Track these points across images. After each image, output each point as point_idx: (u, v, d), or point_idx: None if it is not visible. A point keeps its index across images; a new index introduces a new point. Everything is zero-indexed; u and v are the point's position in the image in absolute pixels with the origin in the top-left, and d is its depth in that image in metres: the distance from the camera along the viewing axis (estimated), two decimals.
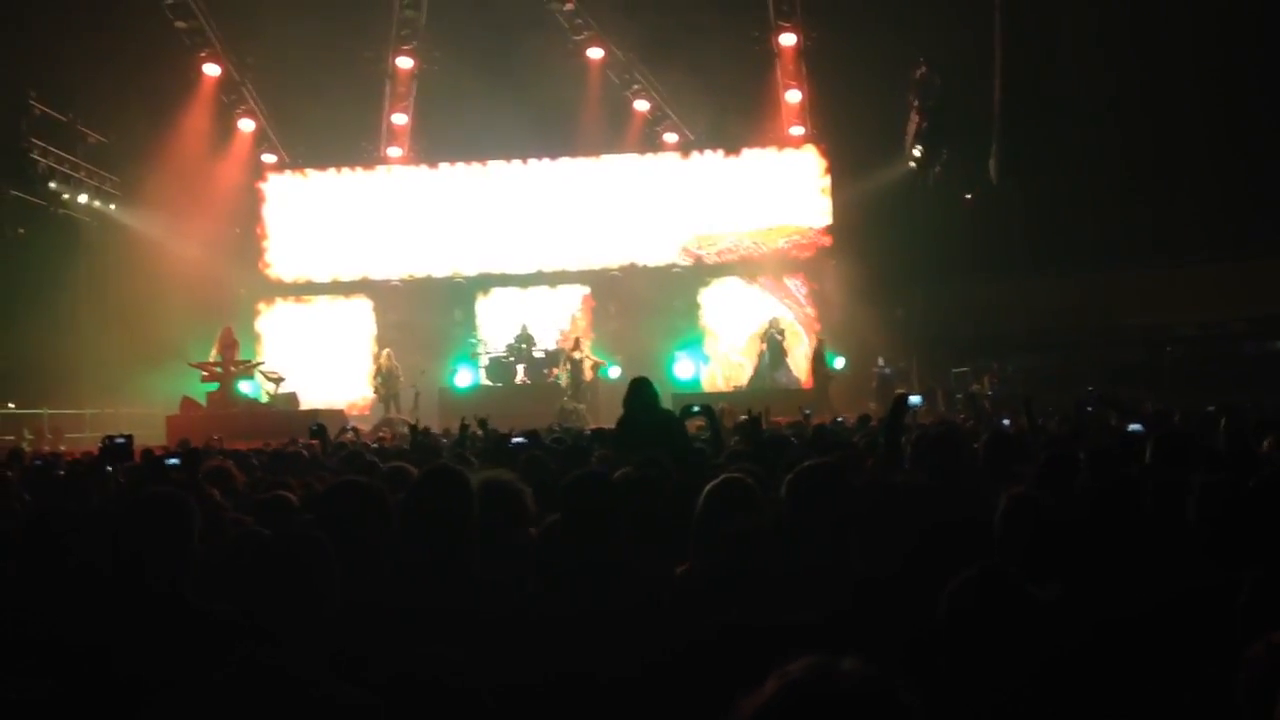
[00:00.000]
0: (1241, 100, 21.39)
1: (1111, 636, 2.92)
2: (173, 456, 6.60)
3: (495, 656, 3.12)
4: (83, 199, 24.31)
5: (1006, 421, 12.31)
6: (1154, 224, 22.11)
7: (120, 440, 7.24)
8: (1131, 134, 22.01)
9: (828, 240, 25.59)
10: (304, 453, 9.38)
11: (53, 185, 23.35)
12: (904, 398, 6.49)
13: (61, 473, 7.54)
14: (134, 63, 21.91)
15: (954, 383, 21.54)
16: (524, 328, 24.09)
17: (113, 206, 25.14)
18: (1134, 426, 8.23)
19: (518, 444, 8.39)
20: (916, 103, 23.79)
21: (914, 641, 2.73)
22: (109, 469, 7.09)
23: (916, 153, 24.26)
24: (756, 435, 7.08)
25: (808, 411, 14.21)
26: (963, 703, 2.62)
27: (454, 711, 2.86)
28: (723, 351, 25.56)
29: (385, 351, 23.50)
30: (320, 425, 10.13)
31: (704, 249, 26.12)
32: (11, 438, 19.45)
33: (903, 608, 3.04)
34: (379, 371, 23.31)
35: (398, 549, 3.82)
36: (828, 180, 25.74)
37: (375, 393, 23.18)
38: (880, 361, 22.59)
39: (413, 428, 10.71)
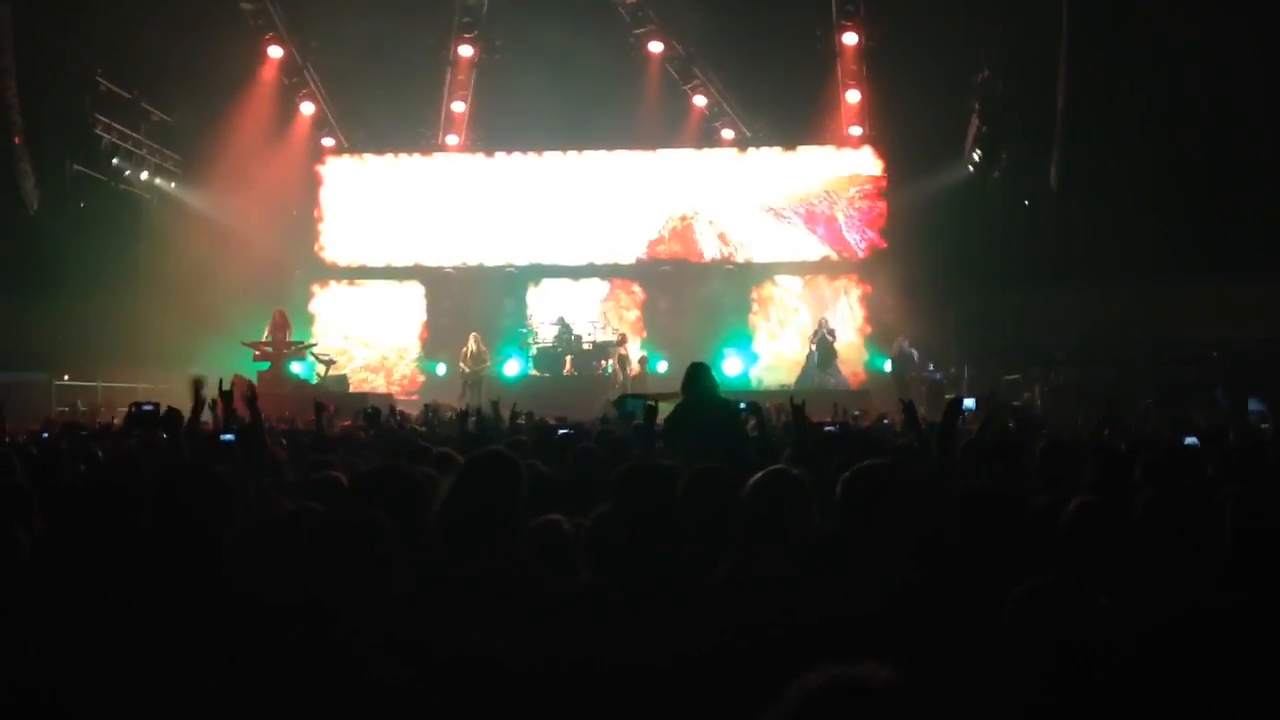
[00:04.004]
0: None
1: (1168, 645, 2.87)
2: (228, 432, 6.65)
3: (540, 642, 3.13)
4: (144, 176, 24.64)
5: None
6: (1215, 237, 21.79)
7: (148, 407, 7.34)
8: (1194, 145, 21.71)
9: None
10: (361, 434, 9.50)
11: (115, 161, 23.67)
12: (958, 402, 6.43)
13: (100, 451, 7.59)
14: (199, 43, 22.14)
15: (1005, 391, 21.30)
16: (561, 319, 24.31)
17: (173, 184, 25.46)
18: (1190, 440, 8.13)
19: (564, 435, 8.40)
20: (978, 107, 23.56)
21: (965, 646, 2.70)
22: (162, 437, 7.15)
23: (976, 157, 24.03)
24: (801, 426, 6.94)
25: (856, 413, 14.14)
26: (1022, 708, 2.59)
27: (498, 693, 2.87)
28: (772, 350, 25.46)
29: (474, 335, 23.53)
30: (374, 409, 10.23)
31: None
32: (66, 409, 19.70)
33: (955, 612, 3.01)
34: (467, 355, 23.38)
35: (443, 533, 3.84)
36: (885, 181, 25.60)
37: (463, 377, 23.19)
38: (931, 366, 22.41)
39: (461, 414, 10.66)
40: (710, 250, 26.25)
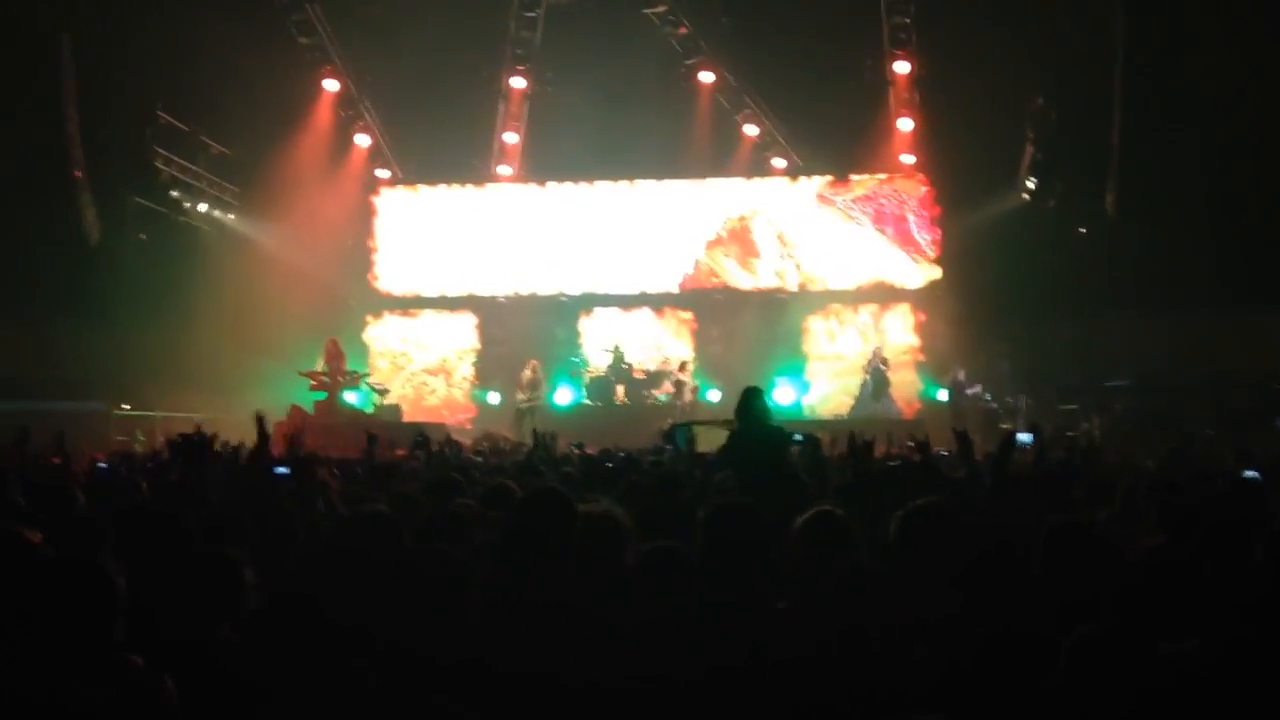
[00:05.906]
0: None
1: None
2: (282, 464, 6.73)
3: (601, 665, 3.15)
4: (203, 208, 25.03)
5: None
6: (1273, 266, 21.45)
7: (195, 438, 7.56)
8: (1252, 173, 21.42)
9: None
10: (414, 463, 9.56)
11: (174, 193, 24.10)
12: (1013, 435, 6.37)
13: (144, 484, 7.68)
14: (257, 77, 22.40)
15: (1062, 421, 21.03)
16: (617, 347, 24.35)
17: (231, 216, 25.83)
18: (1250, 473, 7.97)
19: (609, 469, 8.38)
20: (1031, 134, 23.40)
21: (1026, 693, 2.66)
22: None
23: (1030, 184, 23.84)
24: (866, 464, 6.87)
25: (910, 443, 13.98)
26: None
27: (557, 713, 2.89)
28: (824, 379, 25.31)
29: (532, 363, 23.61)
30: (424, 436, 10.27)
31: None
32: (124, 438, 19.95)
33: (1013, 659, 2.96)
34: (524, 383, 23.45)
35: (502, 562, 3.88)
36: (937, 210, 25.45)
37: (517, 405, 23.23)
38: (987, 396, 22.20)
39: (537, 438, 10.58)
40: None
